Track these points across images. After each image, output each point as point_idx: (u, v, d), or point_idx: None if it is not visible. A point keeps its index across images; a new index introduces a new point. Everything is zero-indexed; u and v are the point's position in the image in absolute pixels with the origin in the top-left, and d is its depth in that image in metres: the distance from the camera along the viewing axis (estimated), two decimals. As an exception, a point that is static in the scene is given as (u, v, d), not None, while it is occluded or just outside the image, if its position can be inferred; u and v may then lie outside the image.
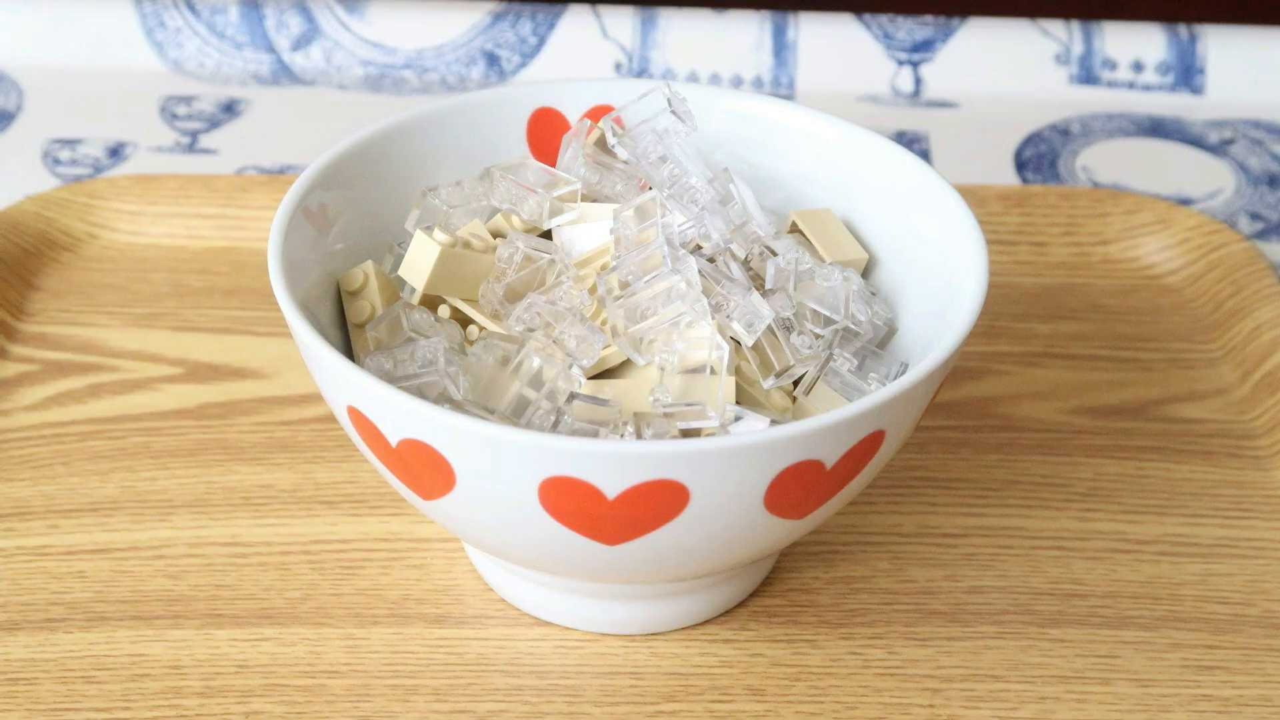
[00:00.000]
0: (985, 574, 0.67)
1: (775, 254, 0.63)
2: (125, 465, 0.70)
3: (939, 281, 0.64)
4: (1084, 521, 0.69)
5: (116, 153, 0.89)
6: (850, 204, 0.68)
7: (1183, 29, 0.95)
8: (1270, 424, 0.73)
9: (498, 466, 0.56)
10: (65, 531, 0.67)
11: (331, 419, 0.72)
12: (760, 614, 0.65)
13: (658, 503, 0.56)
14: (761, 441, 0.55)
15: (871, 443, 0.58)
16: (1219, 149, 0.91)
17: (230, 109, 0.92)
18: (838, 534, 0.68)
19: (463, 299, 0.63)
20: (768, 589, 0.66)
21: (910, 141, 0.91)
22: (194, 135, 0.90)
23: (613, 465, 0.55)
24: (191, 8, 0.95)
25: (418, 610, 0.65)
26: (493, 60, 0.95)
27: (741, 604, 0.65)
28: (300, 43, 0.95)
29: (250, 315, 0.77)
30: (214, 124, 0.91)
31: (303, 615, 0.64)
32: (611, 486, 0.55)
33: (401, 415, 0.56)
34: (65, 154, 0.89)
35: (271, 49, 0.95)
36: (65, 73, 0.94)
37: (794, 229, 0.66)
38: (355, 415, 0.58)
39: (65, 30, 0.95)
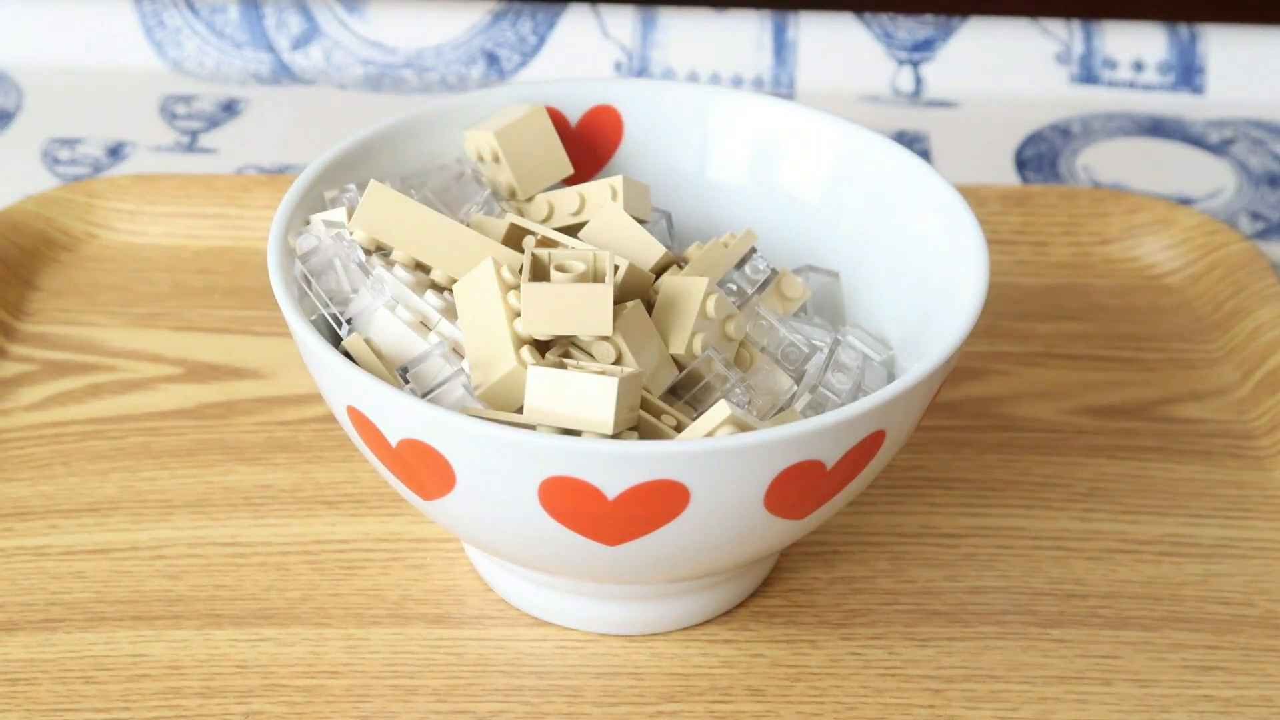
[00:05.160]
0: (986, 574, 0.67)
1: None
2: (125, 465, 0.70)
3: (939, 281, 0.64)
4: (1084, 522, 0.69)
5: (116, 152, 0.89)
6: (850, 203, 0.68)
7: (1183, 28, 0.95)
8: (1271, 424, 0.73)
9: (498, 466, 0.56)
10: (65, 531, 0.67)
11: (331, 419, 0.72)
12: (760, 614, 0.65)
13: (658, 503, 0.56)
14: (762, 441, 0.55)
15: (872, 443, 0.58)
16: (1219, 149, 0.91)
17: (230, 108, 0.92)
18: (838, 534, 0.68)
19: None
20: (768, 589, 0.66)
21: (910, 141, 0.91)
22: (193, 135, 0.90)
23: (613, 465, 0.55)
24: (191, 7, 0.95)
25: (418, 610, 0.65)
26: (493, 60, 0.95)
27: (741, 604, 0.65)
28: (300, 42, 0.95)
29: (250, 315, 0.77)
30: (214, 123, 0.91)
31: (302, 615, 0.64)
32: (611, 486, 0.55)
33: (401, 415, 0.56)
34: (65, 153, 0.89)
35: (271, 48, 0.95)
36: (65, 72, 0.94)
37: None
38: (355, 415, 0.58)
39: (65, 30, 0.95)
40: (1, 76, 0.94)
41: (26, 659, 0.63)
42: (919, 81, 0.95)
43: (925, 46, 0.95)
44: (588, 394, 0.56)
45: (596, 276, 0.59)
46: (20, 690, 0.62)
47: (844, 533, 0.68)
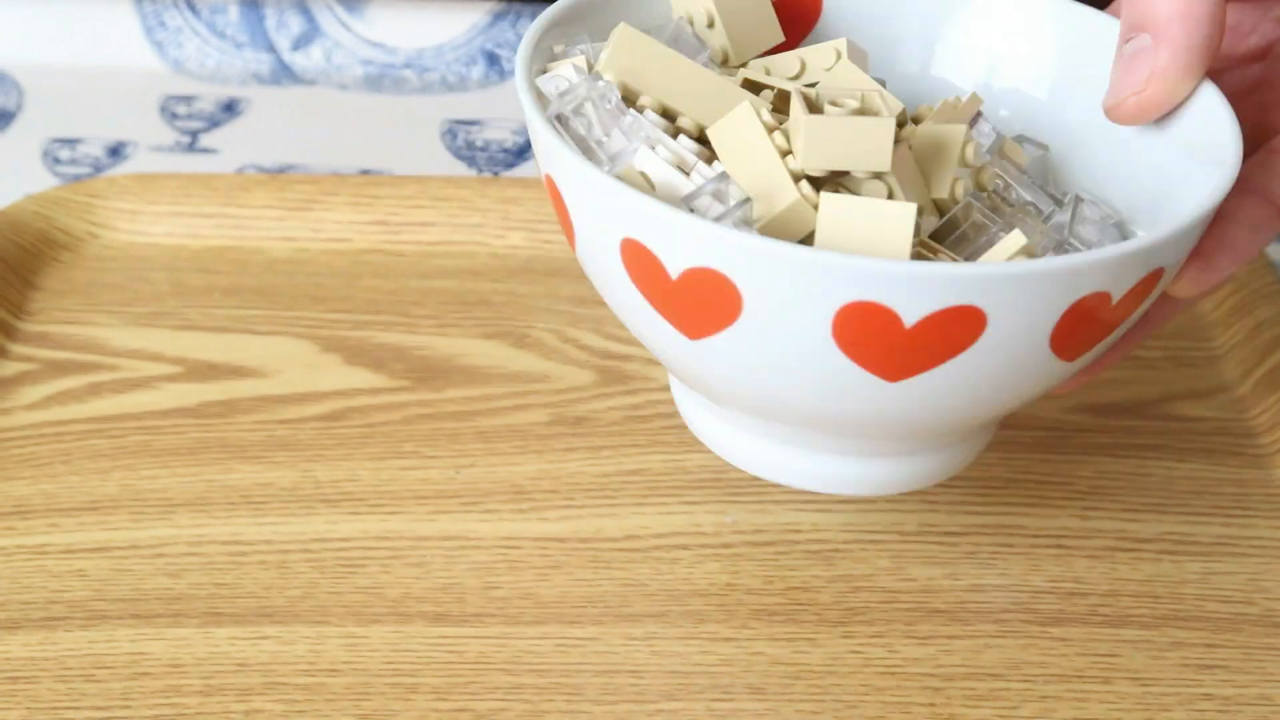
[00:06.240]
0: (986, 572, 0.67)
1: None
2: (125, 464, 0.70)
3: (1174, 135, 0.62)
4: (1085, 520, 0.69)
5: (116, 152, 0.89)
6: (1077, 92, 0.66)
7: (1183, 28, 0.95)
8: (1271, 422, 0.73)
9: (793, 292, 0.53)
10: (65, 530, 0.67)
11: (331, 417, 0.72)
12: (760, 612, 0.65)
13: (954, 331, 0.54)
14: (1063, 267, 0.53)
15: (1151, 280, 0.56)
16: (1220, 148, 0.91)
17: (230, 108, 0.92)
18: (838, 532, 0.68)
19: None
20: (768, 588, 0.66)
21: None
22: (194, 135, 0.91)
23: (918, 287, 0.52)
24: (191, 7, 0.95)
25: (418, 609, 0.65)
26: (493, 60, 0.95)
27: (741, 603, 0.65)
28: (300, 42, 0.95)
29: (250, 314, 0.77)
30: (214, 123, 0.91)
31: (303, 614, 0.64)
32: (911, 312, 0.53)
33: (694, 240, 0.53)
34: (65, 153, 0.89)
35: (271, 49, 0.95)
36: (65, 72, 0.94)
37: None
38: (632, 249, 0.55)
39: (65, 30, 0.95)
40: (2, 76, 0.94)
41: (27, 657, 0.63)
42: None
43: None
44: (884, 222, 0.54)
45: (870, 114, 0.57)
46: (20, 689, 0.62)
47: (844, 531, 0.68)
